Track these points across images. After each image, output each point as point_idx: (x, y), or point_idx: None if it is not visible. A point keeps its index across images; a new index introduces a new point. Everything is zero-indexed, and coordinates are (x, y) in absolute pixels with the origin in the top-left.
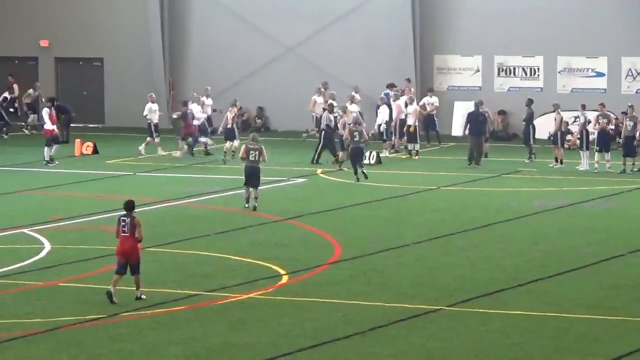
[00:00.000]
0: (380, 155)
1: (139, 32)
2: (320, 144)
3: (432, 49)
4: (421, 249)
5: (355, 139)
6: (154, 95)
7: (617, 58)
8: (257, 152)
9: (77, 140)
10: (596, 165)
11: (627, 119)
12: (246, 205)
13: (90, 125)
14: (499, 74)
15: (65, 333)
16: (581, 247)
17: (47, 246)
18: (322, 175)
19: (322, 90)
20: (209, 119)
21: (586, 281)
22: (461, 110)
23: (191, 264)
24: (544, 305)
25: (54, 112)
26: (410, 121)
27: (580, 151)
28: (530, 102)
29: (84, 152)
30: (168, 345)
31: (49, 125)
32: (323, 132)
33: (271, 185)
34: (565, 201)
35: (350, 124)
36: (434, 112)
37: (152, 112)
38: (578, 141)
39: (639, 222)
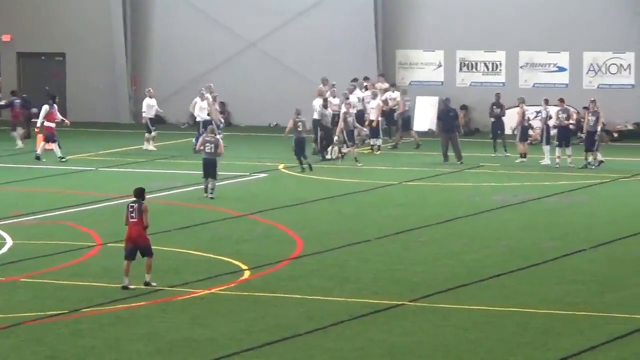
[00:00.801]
0: (343, 150)
1: (101, 27)
2: (319, 139)
3: (394, 44)
4: (383, 245)
5: (299, 129)
6: (152, 90)
7: (578, 53)
8: (213, 145)
9: (39, 136)
10: (557, 160)
11: (589, 114)
12: (205, 195)
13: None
14: (461, 69)
15: (27, 329)
16: (543, 242)
17: (9, 241)
18: (283, 170)
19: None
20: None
21: (547, 276)
22: (424, 105)
23: (153, 260)
24: (506, 300)
25: (54, 109)
26: (372, 116)
27: (542, 146)
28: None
29: (46, 147)
30: (130, 341)
31: (48, 123)
32: (318, 127)
33: (233, 181)
34: (527, 196)
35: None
36: (396, 107)
37: (150, 107)
38: (539, 136)
39: (600, 218)
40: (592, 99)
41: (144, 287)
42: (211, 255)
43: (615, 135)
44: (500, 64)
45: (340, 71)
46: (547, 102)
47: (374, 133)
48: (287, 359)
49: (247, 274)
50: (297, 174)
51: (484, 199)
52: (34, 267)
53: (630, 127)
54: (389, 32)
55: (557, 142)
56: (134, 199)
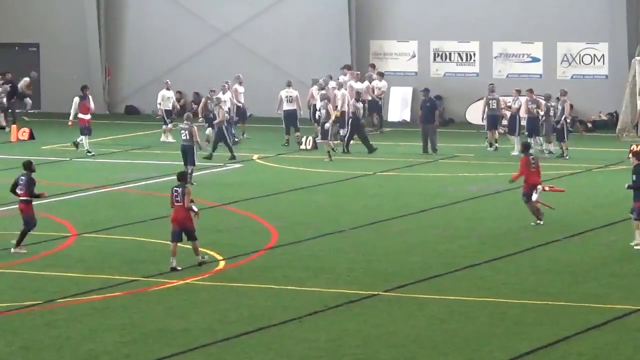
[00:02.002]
0: (317, 140)
1: (74, 17)
2: (348, 132)
3: (368, 34)
4: (357, 235)
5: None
6: (169, 82)
7: (552, 43)
8: (187, 132)
9: (14, 126)
10: (544, 149)
11: (558, 104)
12: None
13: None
14: (434, 59)
15: (1, 319)
16: (517, 233)
17: None
18: (258, 161)
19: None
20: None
21: (522, 266)
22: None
23: (128, 250)
24: (480, 291)
25: (87, 101)
26: (339, 106)
27: (511, 136)
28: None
29: (20, 137)
30: (105, 331)
31: (82, 115)
32: (350, 120)
33: (207, 171)
34: (501, 186)
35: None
36: (382, 95)
37: (166, 99)
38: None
39: (574, 208)
40: (563, 89)
41: (116, 277)
42: (186, 246)
43: (590, 125)
44: (474, 54)
45: (313, 62)
46: (519, 92)
47: (342, 123)
48: (262, 349)
49: (222, 264)
50: (271, 164)
51: (459, 190)
52: (9, 258)
53: (604, 117)
54: (363, 22)
55: (526, 132)
56: (178, 182)
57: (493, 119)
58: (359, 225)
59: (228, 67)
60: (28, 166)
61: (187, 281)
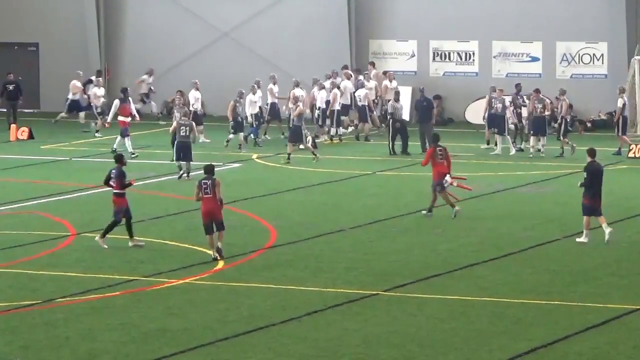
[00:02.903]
0: (317, 140)
1: (74, 17)
2: (390, 135)
3: (367, 34)
4: (357, 234)
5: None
6: (198, 83)
7: (551, 43)
8: (187, 128)
9: (13, 126)
10: (531, 149)
11: (536, 102)
12: (178, 179)
13: (26, 111)
14: (434, 58)
15: (1, 319)
16: (516, 232)
17: None
18: (257, 160)
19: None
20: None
21: (521, 266)
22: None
23: (127, 250)
24: (480, 290)
25: (128, 103)
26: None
27: (500, 136)
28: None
29: (20, 137)
30: (104, 331)
31: (122, 117)
32: (390, 121)
33: None
34: (501, 186)
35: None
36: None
37: (196, 100)
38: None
39: (573, 207)
40: (562, 88)
41: (116, 276)
42: (186, 245)
43: (589, 125)
44: (474, 53)
45: (312, 61)
46: (502, 92)
47: (337, 123)
48: (262, 349)
49: (221, 263)
50: (271, 164)
51: (457, 189)
52: (8, 257)
53: (603, 117)
54: (363, 21)
55: (532, 132)
56: (206, 175)
57: (493, 119)
58: (359, 225)
59: (227, 67)
60: (119, 159)
61: (187, 281)
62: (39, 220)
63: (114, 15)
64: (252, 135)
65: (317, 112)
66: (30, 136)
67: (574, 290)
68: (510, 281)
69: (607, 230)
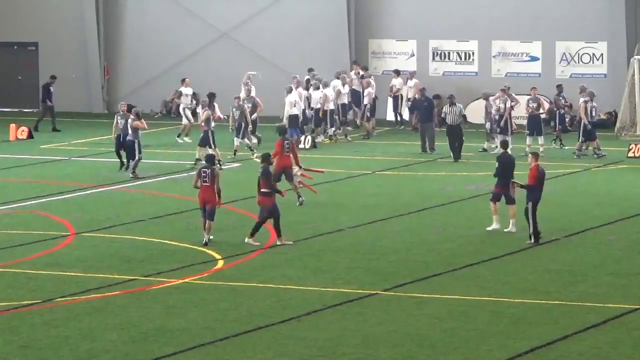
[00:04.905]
0: (316, 140)
1: (73, 16)
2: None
3: (366, 33)
4: (356, 234)
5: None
6: (188, 80)
7: (551, 42)
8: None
9: (12, 125)
10: (527, 149)
11: (531, 101)
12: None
13: (25, 110)
14: (433, 58)
15: (0, 318)
16: (516, 232)
17: None
18: (256, 160)
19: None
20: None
21: (521, 266)
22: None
23: (127, 249)
24: (479, 290)
25: (214, 109)
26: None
27: (492, 135)
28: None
29: (19, 136)
30: (104, 330)
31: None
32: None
33: None
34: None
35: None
36: (399, 93)
37: (187, 96)
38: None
39: (573, 207)
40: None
41: (115, 276)
42: (185, 245)
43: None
44: (473, 53)
45: (311, 61)
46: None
47: (331, 123)
48: (261, 349)
49: (220, 263)
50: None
51: (457, 189)
52: (8, 257)
53: (603, 116)
54: (362, 21)
55: (528, 132)
56: (206, 164)
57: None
58: (358, 224)
59: (227, 66)
60: (266, 158)
61: (186, 280)
62: (39, 220)
63: (113, 14)
64: (296, 136)
65: (310, 112)
66: (30, 136)
67: (573, 290)
68: (510, 281)
69: (512, 221)
